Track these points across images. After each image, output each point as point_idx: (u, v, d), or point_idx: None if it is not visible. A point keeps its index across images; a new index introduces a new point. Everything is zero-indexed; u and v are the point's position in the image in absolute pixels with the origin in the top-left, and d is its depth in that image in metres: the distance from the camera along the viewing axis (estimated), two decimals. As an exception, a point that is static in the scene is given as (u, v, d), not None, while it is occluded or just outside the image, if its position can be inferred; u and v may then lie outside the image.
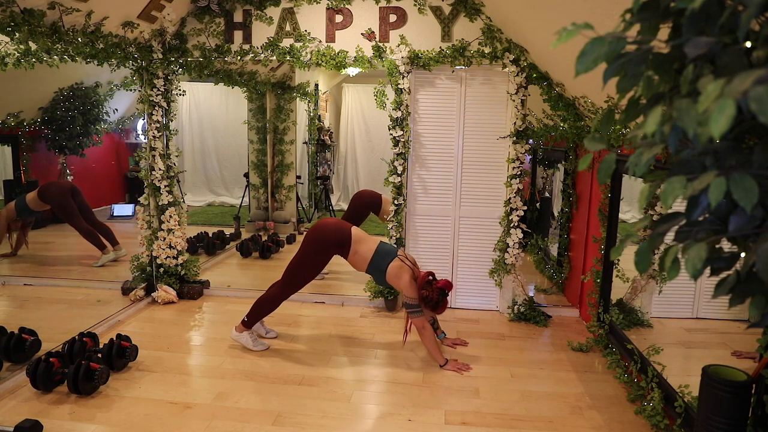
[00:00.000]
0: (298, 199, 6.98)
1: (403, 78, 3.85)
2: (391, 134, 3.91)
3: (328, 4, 3.95)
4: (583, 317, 4.00)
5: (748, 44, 0.78)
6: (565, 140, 4.23)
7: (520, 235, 3.90)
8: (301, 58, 3.98)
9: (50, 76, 5.94)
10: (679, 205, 0.90)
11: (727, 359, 2.33)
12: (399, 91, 3.87)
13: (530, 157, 5.69)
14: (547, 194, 5.57)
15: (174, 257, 4.25)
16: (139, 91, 4.11)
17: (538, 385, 2.97)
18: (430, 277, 3.15)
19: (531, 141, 4.27)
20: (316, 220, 3.33)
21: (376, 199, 4.72)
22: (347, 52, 3.94)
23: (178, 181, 4.36)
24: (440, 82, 3.96)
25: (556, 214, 4.90)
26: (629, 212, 3.32)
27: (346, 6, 3.94)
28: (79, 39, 3.30)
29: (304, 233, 3.61)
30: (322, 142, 7.44)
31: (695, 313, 2.84)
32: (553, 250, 4.90)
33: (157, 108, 4.07)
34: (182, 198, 4.42)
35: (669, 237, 0.92)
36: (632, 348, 2.90)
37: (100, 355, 2.93)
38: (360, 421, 2.58)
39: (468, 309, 4.15)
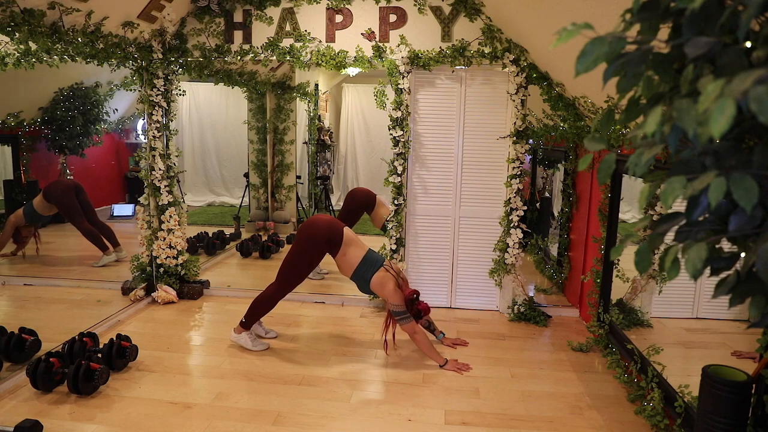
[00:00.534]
0: (298, 199, 6.98)
1: (403, 78, 3.85)
2: (391, 134, 3.91)
3: (328, 4, 3.95)
4: (583, 317, 4.00)
5: (748, 44, 0.78)
6: (565, 140, 4.24)
7: (520, 235, 3.90)
8: (301, 58, 3.98)
9: (50, 76, 5.94)
10: (679, 205, 0.90)
11: (727, 359, 2.33)
12: (399, 91, 3.87)
13: (530, 157, 5.69)
14: (547, 194, 5.57)
15: (174, 257, 4.25)
16: (139, 91, 4.11)
17: (538, 385, 2.97)
18: (415, 296, 3.17)
19: (531, 141, 4.27)
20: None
21: (370, 198, 4.67)
22: (347, 52, 3.94)
23: (178, 181, 4.36)
24: (440, 82, 3.96)
25: (556, 214, 4.90)
26: (629, 212, 3.32)
27: (346, 6, 3.94)
28: (79, 39, 3.30)
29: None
30: (322, 142, 7.44)
31: (695, 313, 2.84)
32: (553, 250, 4.90)
33: (157, 108, 4.07)
34: (182, 198, 4.42)
35: (669, 237, 0.92)
36: (632, 348, 2.90)
37: (100, 355, 2.93)
38: (360, 421, 2.58)
39: (468, 309, 4.16)
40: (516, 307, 3.96)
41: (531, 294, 4.21)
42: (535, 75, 3.78)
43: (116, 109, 7.38)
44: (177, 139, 4.30)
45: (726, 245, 0.87)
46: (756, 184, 0.74)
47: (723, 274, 0.89)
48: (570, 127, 3.82)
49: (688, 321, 2.90)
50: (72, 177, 6.81)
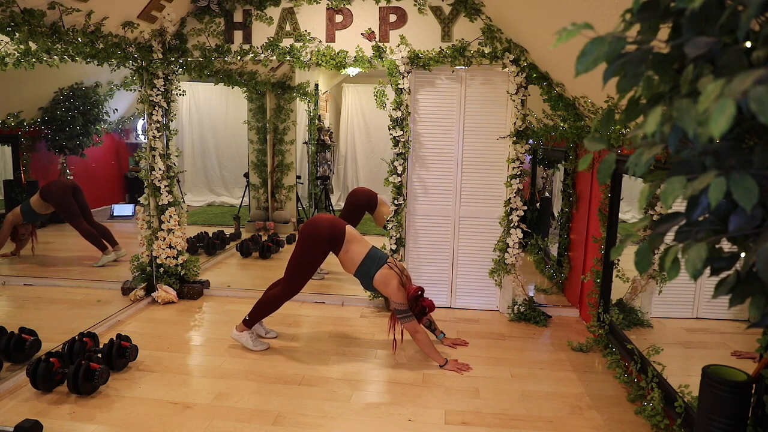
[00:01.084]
0: (298, 199, 6.98)
1: (403, 78, 3.85)
2: (391, 134, 3.91)
3: (328, 4, 3.95)
4: (583, 317, 4.00)
5: (748, 44, 0.78)
6: (565, 140, 4.24)
7: (520, 235, 3.90)
8: (301, 58, 3.98)
9: (50, 76, 5.94)
10: (679, 205, 0.90)
11: (727, 359, 2.33)
12: (399, 91, 3.87)
13: (530, 157, 5.69)
14: (547, 194, 5.57)
15: (174, 257, 4.25)
16: (139, 91, 4.11)
17: (538, 385, 2.97)
18: (419, 293, 3.16)
19: (531, 141, 4.27)
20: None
21: (371, 197, 4.65)
22: (347, 52, 3.94)
23: (178, 181, 4.36)
24: (440, 82, 3.96)
25: (556, 214, 4.90)
26: (629, 212, 3.32)
27: (346, 6, 3.94)
28: (79, 39, 3.30)
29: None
30: (322, 142, 7.43)
31: (695, 313, 2.84)
32: (553, 250, 4.90)
33: (157, 108, 4.07)
34: (182, 198, 4.42)
35: (669, 237, 0.92)
36: (632, 348, 2.90)
37: (100, 355, 2.93)
38: (360, 421, 2.58)
39: (468, 309, 4.16)
40: (516, 307, 3.96)
41: (531, 294, 4.21)
42: (535, 75, 3.78)
43: (116, 109, 7.39)
44: (177, 139, 4.30)
45: (726, 245, 0.87)
46: (756, 184, 0.74)
47: (723, 274, 0.89)
48: (570, 127, 3.82)
49: (688, 321, 2.90)
50: (72, 177, 6.82)
